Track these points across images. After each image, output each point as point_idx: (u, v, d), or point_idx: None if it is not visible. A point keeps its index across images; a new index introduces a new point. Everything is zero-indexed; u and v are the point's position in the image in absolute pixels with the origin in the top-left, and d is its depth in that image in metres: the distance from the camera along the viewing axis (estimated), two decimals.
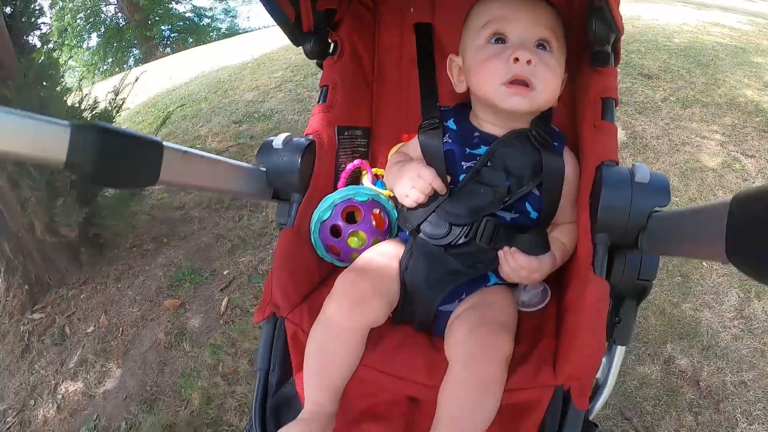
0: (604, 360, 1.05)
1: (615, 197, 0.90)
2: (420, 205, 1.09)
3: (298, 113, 4.57)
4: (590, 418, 1.06)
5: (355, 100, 1.36)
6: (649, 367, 1.94)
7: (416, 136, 1.22)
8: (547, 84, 1.05)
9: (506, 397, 0.88)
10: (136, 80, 3.43)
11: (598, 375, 1.07)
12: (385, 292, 1.02)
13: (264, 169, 1.16)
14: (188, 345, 2.36)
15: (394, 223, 1.25)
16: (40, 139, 0.69)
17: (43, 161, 0.71)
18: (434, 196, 1.08)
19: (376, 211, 1.22)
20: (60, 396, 2.41)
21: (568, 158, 1.11)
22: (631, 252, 0.93)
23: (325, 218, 1.18)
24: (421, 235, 1.08)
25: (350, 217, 1.21)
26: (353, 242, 1.18)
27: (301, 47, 1.30)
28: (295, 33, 1.23)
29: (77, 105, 3.16)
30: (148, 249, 3.10)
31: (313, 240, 1.18)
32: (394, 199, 1.23)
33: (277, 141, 1.16)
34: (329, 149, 1.24)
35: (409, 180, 1.07)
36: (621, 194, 0.89)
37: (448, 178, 1.10)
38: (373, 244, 1.19)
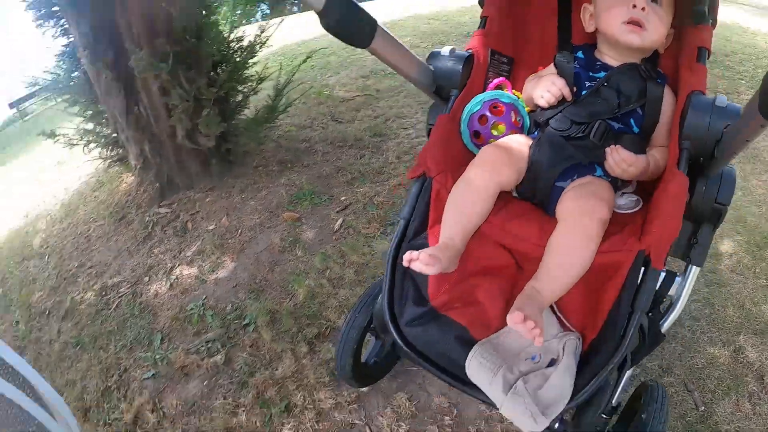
0: (678, 279, 1.27)
1: (698, 115, 1.18)
2: (551, 107, 1.39)
3: None
4: (662, 331, 1.28)
5: (505, 33, 1.65)
6: (719, 351, 2.02)
7: (551, 63, 1.51)
8: (655, 28, 1.36)
9: (597, 258, 1.13)
10: (282, 21, 3.84)
11: (672, 292, 1.29)
12: (516, 164, 1.33)
13: (432, 69, 1.51)
14: (300, 251, 2.64)
15: (526, 126, 1.51)
16: None
17: (307, 5, 1.14)
18: (562, 101, 1.38)
19: (514, 114, 1.49)
20: (174, 277, 2.74)
21: (667, 92, 1.40)
22: (710, 177, 1.21)
23: (475, 110, 1.46)
24: (549, 128, 1.37)
25: None
26: (495, 131, 1.46)
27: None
28: None
29: (226, 35, 3.53)
30: (273, 170, 3.43)
31: (462, 128, 1.48)
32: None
33: (444, 50, 1.52)
34: (482, 64, 1.56)
35: (545, 85, 1.39)
36: (703, 113, 1.17)
37: (574, 89, 1.40)
38: None
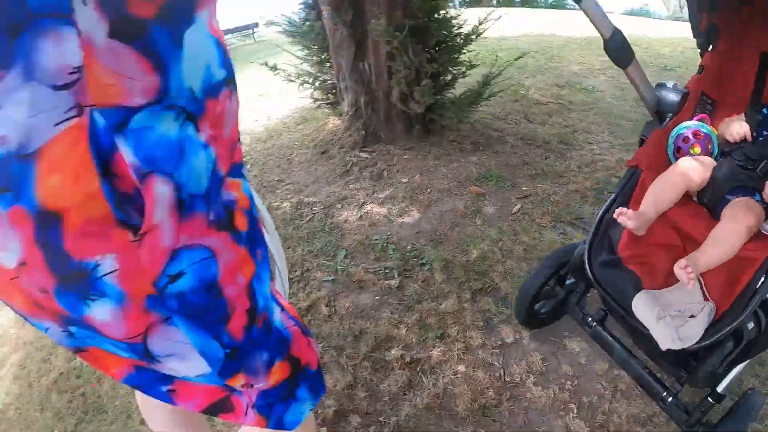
0: None
1: None
2: (735, 143, 1.87)
3: (616, 99, 5.30)
4: None
5: (715, 83, 2.10)
6: None
7: (743, 113, 1.98)
8: None
9: (740, 251, 1.60)
10: (499, 18, 4.27)
11: None
12: (701, 176, 1.80)
13: (658, 95, 2.06)
14: (480, 221, 3.17)
15: (714, 153, 1.97)
16: (604, 22, 1.76)
17: (599, 32, 1.78)
18: (743, 140, 1.85)
19: (708, 142, 1.95)
20: (365, 211, 3.34)
21: None
22: None
23: (681, 132, 1.96)
24: (730, 156, 1.84)
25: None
26: (692, 151, 1.95)
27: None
28: (695, 31, 2.06)
29: (448, 17, 4.06)
30: (466, 147, 4.00)
31: (668, 143, 1.99)
32: None
33: (669, 84, 2.09)
34: (693, 101, 2.06)
35: (735, 127, 1.88)
36: None
37: (754, 134, 1.87)
38: None
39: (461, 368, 2.26)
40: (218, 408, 1.15)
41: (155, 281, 0.84)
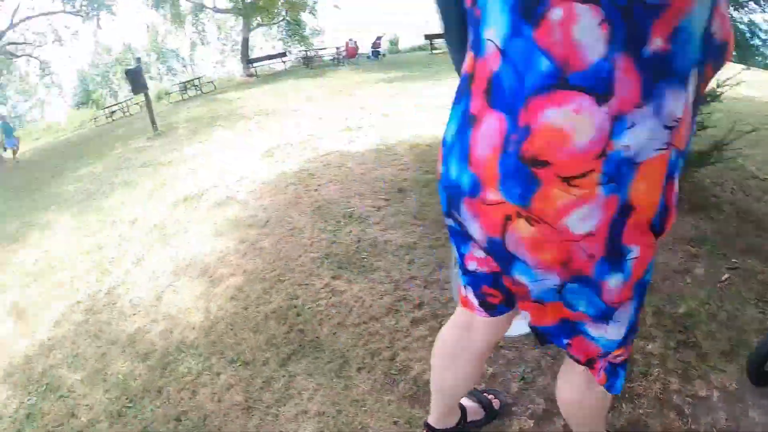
0: None
1: None
2: None
3: None
4: None
5: None
6: None
7: None
8: None
9: None
10: (738, 84, 4.38)
11: None
12: None
13: None
14: (690, 279, 3.53)
15: None
16: None
17: None
18: None
19: None
20: None
21: None
22: None
23: None
24: None
25: None
26: None
27: None
28: None
29: None
30: (683, 207, 4.26)
31: None
32: None
33: None
34: None
35: None
36: None
37: None
38: None
39: (656, 405, 2.61)
40: (588, 363, 1.47)
41: (645, 270, 1.19)
